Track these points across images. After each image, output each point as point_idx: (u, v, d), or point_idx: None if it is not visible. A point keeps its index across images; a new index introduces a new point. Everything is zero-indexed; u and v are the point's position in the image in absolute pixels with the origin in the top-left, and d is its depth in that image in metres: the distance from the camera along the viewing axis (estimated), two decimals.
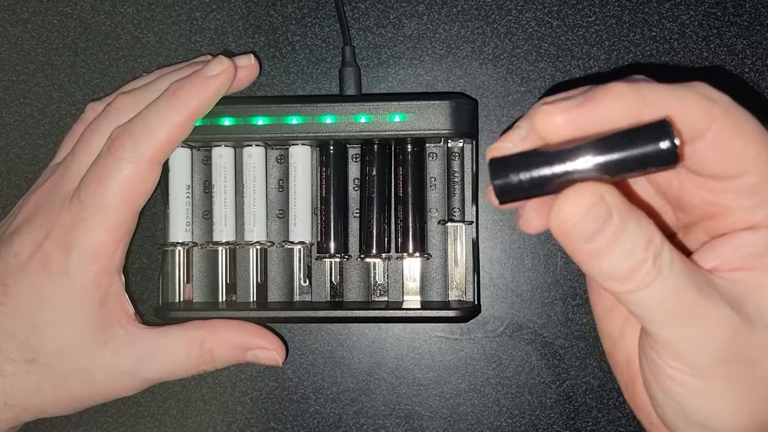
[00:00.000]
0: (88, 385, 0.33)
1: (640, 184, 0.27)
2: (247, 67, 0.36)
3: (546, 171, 0.21)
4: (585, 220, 0.21)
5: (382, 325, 0.41)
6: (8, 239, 0.34)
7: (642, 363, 0.24)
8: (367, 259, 0.38)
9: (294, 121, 0.36)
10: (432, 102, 0.36)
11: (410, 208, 0.37)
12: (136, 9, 0.41)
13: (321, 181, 0.38)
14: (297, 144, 0.38)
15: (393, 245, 0.38)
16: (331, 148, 0.38)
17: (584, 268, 0.22)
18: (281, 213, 0.39)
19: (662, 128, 0.20)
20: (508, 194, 0.22)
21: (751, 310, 0.22)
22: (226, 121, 0.36)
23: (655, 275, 0.21)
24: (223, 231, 0.38)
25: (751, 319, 0.22)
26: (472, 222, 0.38)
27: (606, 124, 0.21)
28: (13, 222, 0.34)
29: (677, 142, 0.20)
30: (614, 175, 0.21)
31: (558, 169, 0.21)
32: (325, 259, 0.38)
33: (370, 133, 0.36)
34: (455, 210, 0.38)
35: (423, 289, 0.39)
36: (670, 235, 0.27)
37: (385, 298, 0.39)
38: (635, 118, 0.21)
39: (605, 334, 0.28)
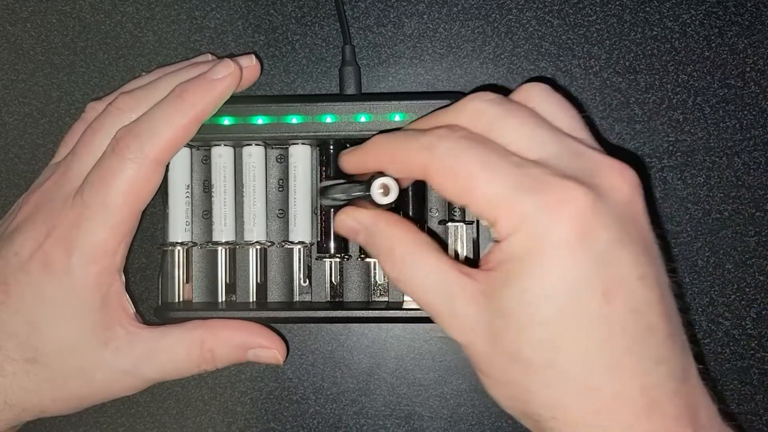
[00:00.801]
0: (88, 385, 0.33)
1: None
2: (248, 68, 0.36)
3: (331, 198, 0.34)
4: (343, 232, 0.31)
5: (382, 325, 0.40)
6: (9, 238, 0.33)
7: None
8: (368, 259, 0.38)
9: (294, 120, 0.36)
10: (432, 101, 0.35)
11: (410, 208, 0.37)
12: (136, 8, 0.41)
13: (321, 180, 0.38)
14: (297, 143, 0.38)
15: None
16: (331, 147, 0.38)
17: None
18: (281, 213, 0.39)
19: (368, 183, 0.29)
20: (326, 207, 0.38)
21: (493, 307, 0.26)
22: (226, 121, 0.36)
23: (398, 266, 0.29)
24: (223, 231, 0.38)
25: (497, 311, 0.26)
26: (473, 222, 0.37)
27: (376, 164, 0.30)
28: (14, 221, 0.34)
29: (374, 192, 0.29)
30: (359, 203, 0.31)
31: (337, 197, 0.33)
32: (325, 259, 0.38)
33: (371, 133, 0.36)
34: (456, 210, 0.38)
35: None
36: None
37: (386, 299, 0.38)
38: (391, 159, 0.29)
39: None
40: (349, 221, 0.31)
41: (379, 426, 0.40)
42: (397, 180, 0.29)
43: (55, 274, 0.32)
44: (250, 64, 0.36)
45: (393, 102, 0.36)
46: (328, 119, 0.36)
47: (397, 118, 0.35)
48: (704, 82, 0.39)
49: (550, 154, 0.27)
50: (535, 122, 0.28)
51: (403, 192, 0.37)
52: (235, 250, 0.39)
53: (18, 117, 0.41)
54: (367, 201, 0.30)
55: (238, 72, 0.34)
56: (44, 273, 0.32)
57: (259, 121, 0.36)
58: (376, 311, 0.37)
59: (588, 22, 0.40)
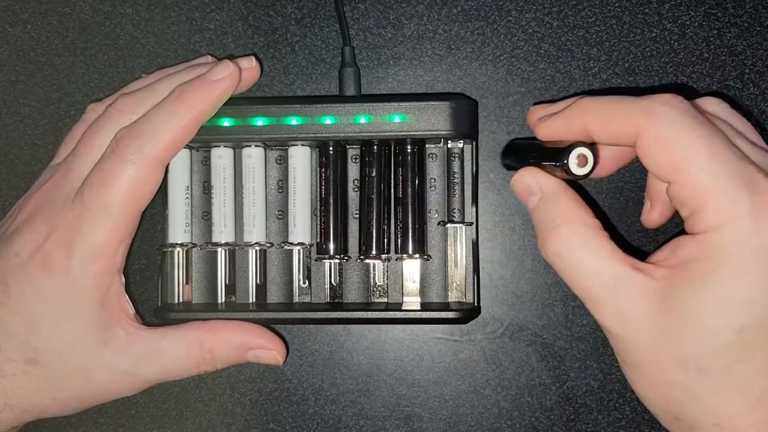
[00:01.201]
0: (88, 386, 0.33)
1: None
2: (248, 70, 0.36)
3: (517, 157, 0.35)
4: (517, 189, 0.32)
5: (381, 326, 0.41)
6: (9, 238, 0.34)
7: None
8: (367, 261, 0.38)
9: (293, 121, 0.36)
10: (432, 103, 0.35)
11: (410, 209, 0.37)
12: (136, 9, 0.41)
13: (320, 181, 0.38)
14: (296, 145, 0.38)
15: (393, 246, 0.38)
16: (331, 148, 0.38)
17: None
18: (280, 214, 0.39)
19: (566, 151, 0.28)
20: (506, 166, 0.39)
21: (669, 306, 0.25)
22: (226, 122, 0.36)
23: (562, 243, 0.29)
24: (223, 232, 0.38)
25: (670, 313, 0.25)
26: (472, 223, 0.37)
27: (582, 127, 0.29)
28: (14, 221, 0.34)
29: (571, 161, 0.28)
30: (547, 168, 0.31)
31: (527, 157, 0.33)
32: (324, 260, 0.38)
33: (370, 134, 0.36)
34: (455, 211, 0.38)
35: (423, 290, 0.39)
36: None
37: (385, 300, 0.38)
38: (603, 121, 0.28)
39: None
40: (530, 180, 0.30)
41: (378, 427, 0.40)
42: (594, 153, 0.28)
43: (55, 274, 0.32)
44: (249, 65, 0.36)
45: (392, 103, 0.36)
46: (328, 120, 0.36)
47: (396, 119, 0.36)
48: (703, 83, 0.40)
49: (766, 163, 0.26)
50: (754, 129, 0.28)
51: (397, 190, 0.38)
52: (235, 251, 0.39)
53: (18, 118, 0.41)
54: (560, 169, 0.29)
55: (237, 73, 0.34)
56: (44, 273, 0.32)
57: (259, 122, 0.36)
58: (376, 312, 0.37)
59: (587, 23, 0.40)
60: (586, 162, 0.28)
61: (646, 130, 0.26)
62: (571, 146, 0.28)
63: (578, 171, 0.28)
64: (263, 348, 0.35)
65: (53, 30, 0.41)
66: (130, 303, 0.35)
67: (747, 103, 0.39)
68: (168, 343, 0.34)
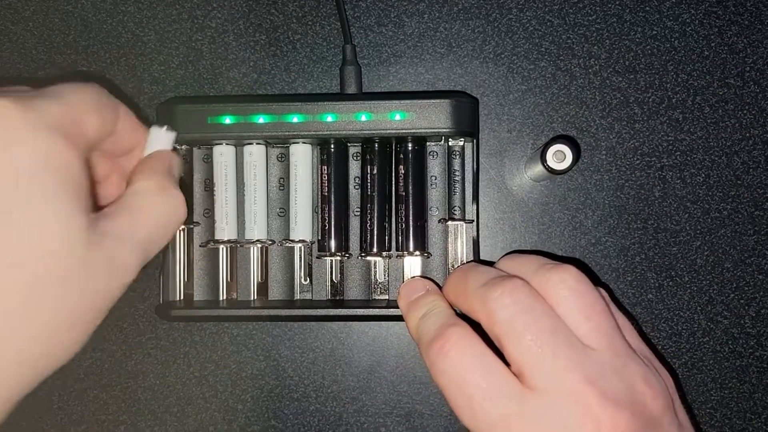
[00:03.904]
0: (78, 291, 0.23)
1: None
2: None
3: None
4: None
5: (382, 323, 0.41)
6: None
7: None
8: (368, 258, 0.38)
9: (295, 119, 0.36)
10: (433, 100, 0.36)
11: (411, 206, 0.37)
12: (138, 7, 0.41)
13: (322, 179, 0.38)
14: (298, 142, 0.38)
15: (393, 244, 0.38)
16: (332, 146, 0.38)
17: None
18: (282, 211, 0.39)
19: (543, 149, 0.31)
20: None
21: None
22: (227, 119, 0.36)
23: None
24: (224, 229, 0.38)
25: None
26: (473, 221, 0.38)
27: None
28: None
29: (548, 159, 0.34)
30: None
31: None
32: (325, 258, 0.38)
33: (371, 132, 0.36)
34: (456, 208, 0.38)
35: None
36: None
37: (386, 297, 0.39)
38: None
39: None
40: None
41: (379, 424, 0.40)
42: (573, 147, 0.31)
43: None
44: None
45: (393, 101, 0.36)
46: (329, 118, 0.36)
47: (397, 117, 0.36)
48: (704, 81, 0.40)
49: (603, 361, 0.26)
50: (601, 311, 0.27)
51: (398, 187, 0.38)
52: (236, 248, 0.39)
53: None
54: (543, 168, 0.31)
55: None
56: None
57: (260, 120, 0.36)
58: (377, 309, 0.37)
59: (588, 21, 0.40)
60: (564, 157, 0.30)
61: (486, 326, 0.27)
62: (548, 144, 0.30)
63: (557, 166, 0.30)
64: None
65: (55, 28, 0.41)
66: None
67: (747, 101, 0.39)
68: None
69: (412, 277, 0.36)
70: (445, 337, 0.27)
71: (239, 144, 0.38)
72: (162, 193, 0.27)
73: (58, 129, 0.23)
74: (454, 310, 0.30)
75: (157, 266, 0.41)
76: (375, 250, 0.37)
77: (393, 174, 0.38)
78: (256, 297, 0.39)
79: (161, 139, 0.29)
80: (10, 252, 0.21)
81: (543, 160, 0.31)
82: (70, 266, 0.22)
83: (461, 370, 0.26)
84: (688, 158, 0.40)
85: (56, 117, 0.23)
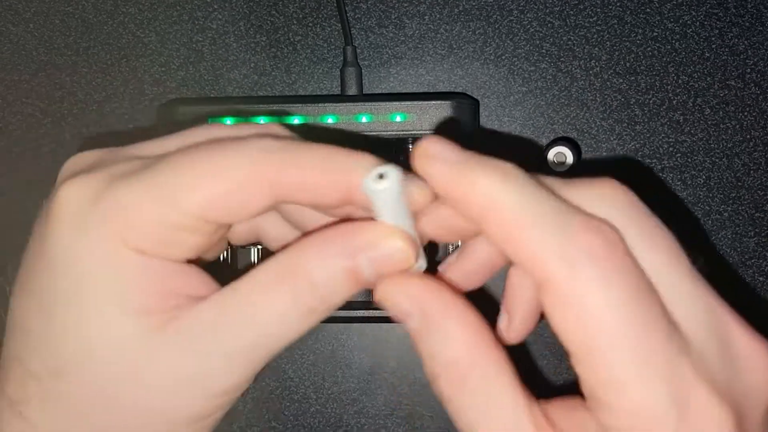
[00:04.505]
0: (142, 398, 0.21)
1: None
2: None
3: None
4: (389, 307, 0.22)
5: (383, 324, 0.41)
6: None
7: None
8: None
9: (295, 120, 0.36)
10: (433, 102, 0.36)
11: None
12: (138, 9, 0.41)
13: None
14: None
15: None
16: None
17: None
18: None
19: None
20: None
21: None
22: (228, 121, 0.36)
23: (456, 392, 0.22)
24: None
25: None
26: None
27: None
28: None
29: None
30: None
31: None
32: None
33: (372, 133, 0.36)
34: None
35: None
36: None
37: None
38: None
39: None
40: (401, 299, 0.21)
41: (379, 425, 0.40)
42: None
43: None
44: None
45: (394, 103, 0.36)
46: (330, 120, 0.36)
47: (398, 118, 0.36)
48: (704, 83, 0.40)
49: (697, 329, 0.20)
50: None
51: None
52: (237, 250, 0.39)
53: (21, 117, 0.41)
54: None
55: None
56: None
57: (261, 121, 0.36)
58: (377, 311, 0.37)
59: (589, 23, 0.40)
60: (565, 159, 0.29)
61: (558, 285, 0.20)
62: (548, 146, 0.30)
63: (558, 168, 0.30)
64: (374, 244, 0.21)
65: (56, 29, 0.41)
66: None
67: (748, 103, 0.39)
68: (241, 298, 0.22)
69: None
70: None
71: None
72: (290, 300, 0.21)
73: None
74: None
75: None
76: None
77: None
78: None
79: (394, 200, 0.19)
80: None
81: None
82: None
83: None
84: (689, 160, 0.40)
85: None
